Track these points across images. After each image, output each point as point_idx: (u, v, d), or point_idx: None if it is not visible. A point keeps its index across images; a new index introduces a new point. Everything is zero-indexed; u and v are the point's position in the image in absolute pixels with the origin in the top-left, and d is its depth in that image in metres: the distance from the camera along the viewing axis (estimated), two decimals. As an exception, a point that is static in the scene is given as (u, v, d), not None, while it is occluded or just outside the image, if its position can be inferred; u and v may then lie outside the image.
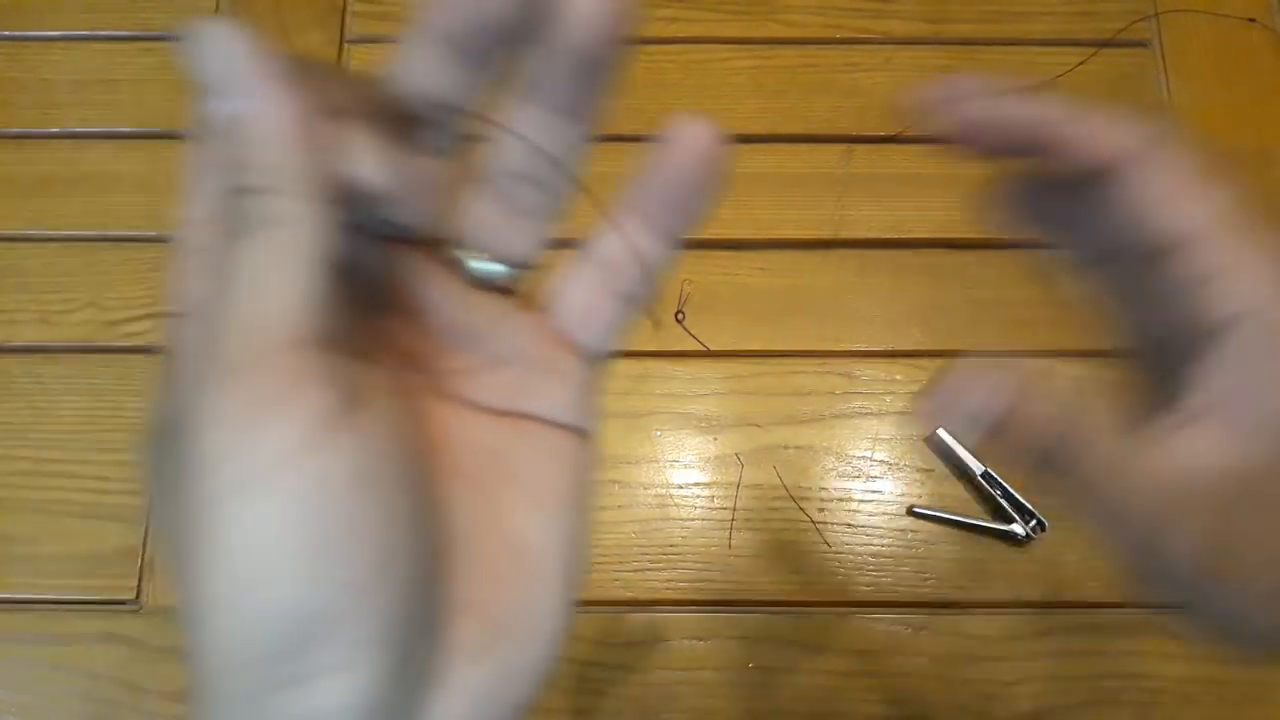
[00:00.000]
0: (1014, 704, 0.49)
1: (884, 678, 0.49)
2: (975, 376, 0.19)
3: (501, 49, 0.17)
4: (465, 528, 0.18)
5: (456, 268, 0.19)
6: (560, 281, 0.20)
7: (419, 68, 0.18)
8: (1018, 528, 0.50)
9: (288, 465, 0.14)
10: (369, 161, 0.16)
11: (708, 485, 0.52)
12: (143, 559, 0.50)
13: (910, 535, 0.51)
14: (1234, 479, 0.18)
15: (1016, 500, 0.51)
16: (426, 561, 0.16)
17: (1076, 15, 0.60)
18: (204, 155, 0.16)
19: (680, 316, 0.54)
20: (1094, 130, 0.19)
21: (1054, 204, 0.22)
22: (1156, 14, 0.60)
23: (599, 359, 0.21)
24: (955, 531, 0.51)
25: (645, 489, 0.52)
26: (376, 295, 0.18)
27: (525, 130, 0.18)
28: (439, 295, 0.19)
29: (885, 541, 0.51)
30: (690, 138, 0.18)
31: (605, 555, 0.51)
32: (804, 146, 0.58)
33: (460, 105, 0.18)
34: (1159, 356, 0.21)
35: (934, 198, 0.57)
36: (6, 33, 0.60)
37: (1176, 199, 0.19)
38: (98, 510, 0.51)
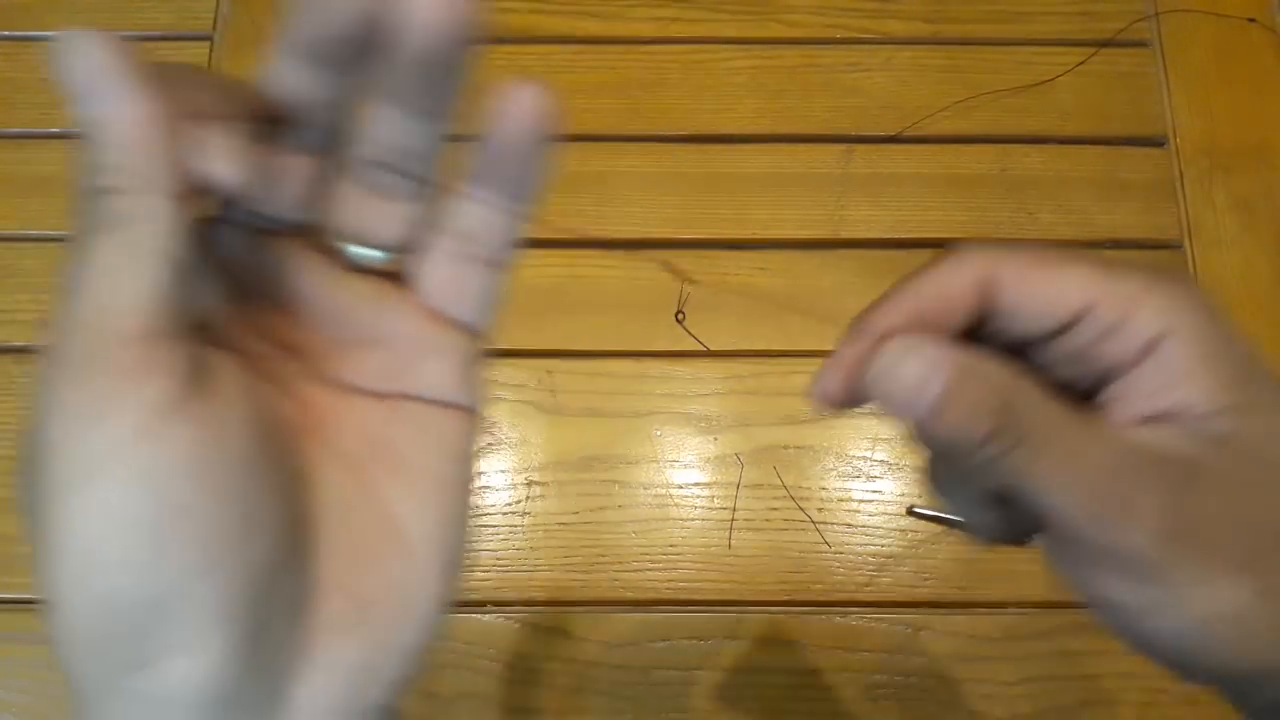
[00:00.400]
0: (1014, 704, 0.49)
1: (884, 677, 0.49)
2: (905, 355, 0.19)
3: (355, 55, 0.18)
4: (339, 509, 0.18)
5: (334, 256, 0.20)
6: (423, 260, 0.21)
7: (285, 74, 0.18)
8: (1018, 528, 0.50)
9: (122, 455, 0.15)
10: (226, 160, 0.17)
11: (708, 485, 0.52)
12: (142, 559, 0.50)
13: (910, 535, 0.51)
14: (1183, 462, 0.18)
15: (1016, 500, 0.51)
16: (277, 542, 0.17)
17: (1076, 15, 0.60)
18: (80, 159, 0.16)
19: (680, 317, 0.54)
20: (946, 282, 0.20)
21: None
22: (1156, 14, 0.60)
23: (475, 332, 0.21)
24: (955, 531, 0.51)
25: (645, 489, 0.52)
26: (251, 285, 0.19)
27: (385, 128, 0.19)
28: (317, 283, 0.19)
29: (885, 541, 0.51)
30: (518, 103, 0.19)
31: (605, 555, 0.51)
32: (804, 146, 0.58)
33: (324, 106, 0.18)
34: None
35: (934, 198, 0.57)
36: (6, 33, 0.60)
37: (1045, 284, 0.19)
38: (97, 510, 0.51)
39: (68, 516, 0.15)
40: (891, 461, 0.52)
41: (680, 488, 0.52)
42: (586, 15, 0.60)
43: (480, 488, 0.52)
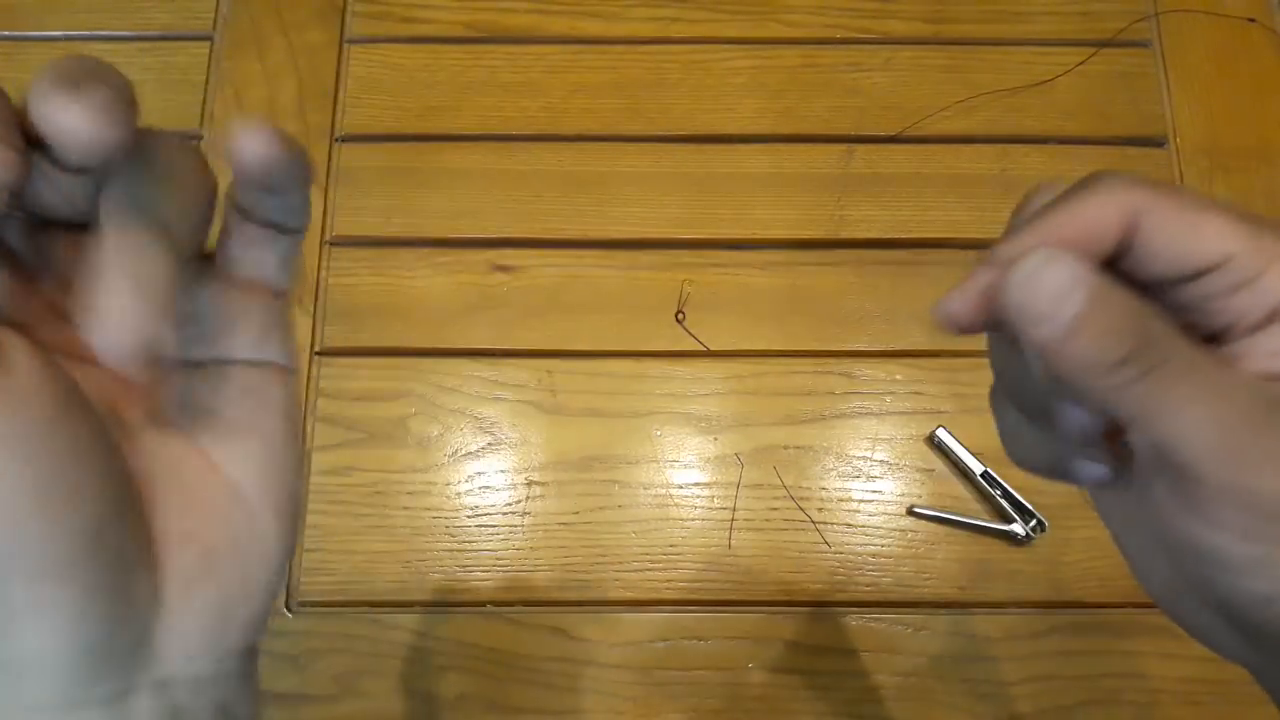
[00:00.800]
0: (1014, 704, 0.49)
1: (884, 677, 0.49)
2: (1048, 265, 0.18)
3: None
4: (172, 468, 0.20)
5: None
6: (219, 232, 0.22)
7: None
8: (1018, 528, 0.50)
9: None
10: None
11: (708, 485, 0.52)
12: (142, 559, 0.50)
13: (910, 535, 0.51)
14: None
15: (1016, 500, 0.51)
16: (101, 500, 0.17)
17: (1076, 15, 0.60)
18: None
19: (680, 316, 0.54)
20: (1096, 208, 0.19)
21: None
22: (1156, 14, 0.60)
23: (278, 293, 0.22)
24: (955, 531, 0.51)
25: (645, 489, 0.52)
26: (54, 269, 0.20)
27: (238, 241, 0.21)
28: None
29: (885, 541, 0.51)
30: (244, 141, 0.19)
31: (605, 555, 0.51)
32: (804, 146, 0.58)
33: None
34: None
35: (934, 198, 0.57)
36: (6, 33, 0.60)
37: (1188, 229, 0.19)
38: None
39: None
40: (891, 461, 0.52)
41: (680, 488, 0.52)
42: (587, 15, 0.60)
43: (480, 487, 0.52)
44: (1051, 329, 0.18)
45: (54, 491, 0.16)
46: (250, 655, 0.20)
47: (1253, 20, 0.60)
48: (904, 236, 0.56)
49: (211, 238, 0.22)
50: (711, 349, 0.54)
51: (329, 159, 0.57)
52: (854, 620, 0.50)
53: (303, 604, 0.49)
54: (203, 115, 0.58)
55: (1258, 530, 0.17)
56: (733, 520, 0.51)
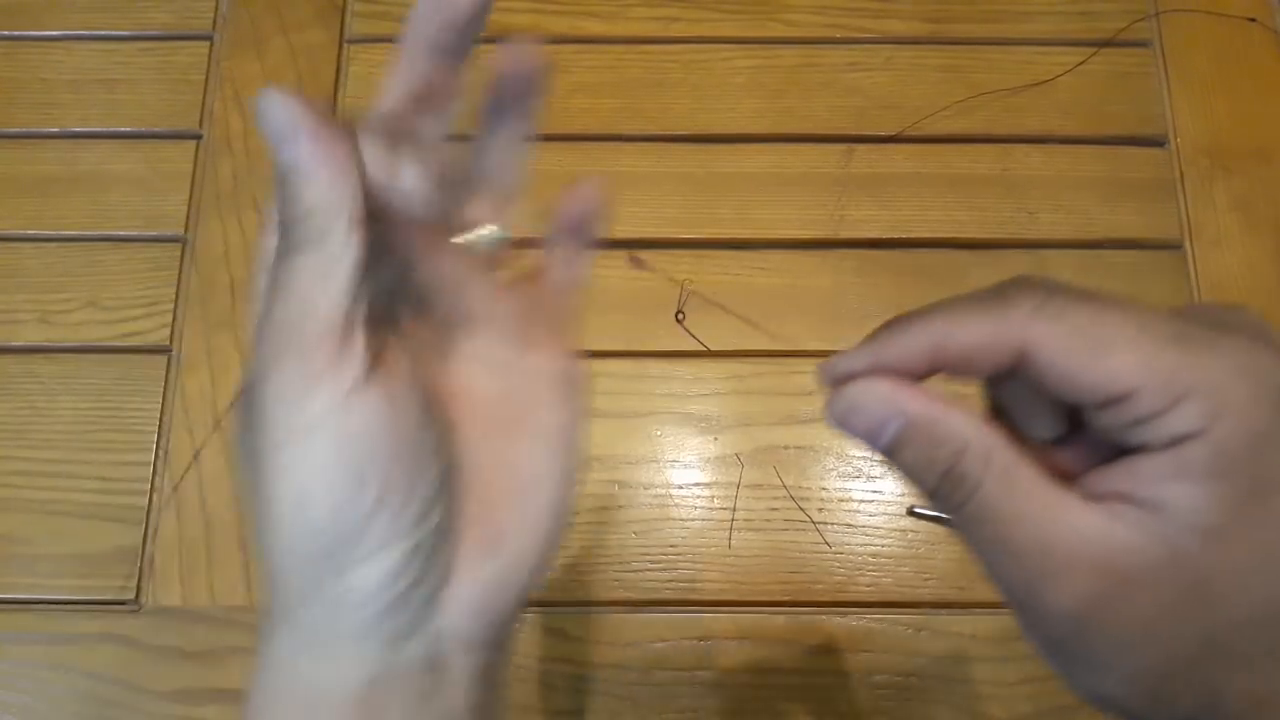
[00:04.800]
0: (1014, 704, 0.49)
1: (884, 677, 0.49)
2: (879, 387, 0.20)
3: (465, 43, 0.22)
4: (476, 459, 0.23)
5: (460, 244, 0.24)
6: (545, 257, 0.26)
7: (408, 70, 0.23)
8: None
9: (325, 422, 0.19)
10: (395, 172, 0.21)
11: (708, 485, 0.52)
12: (142, 559, 0.50)
13: (910, 535, 0.51)
14: (1128, 562, 0.18)
15: (1017, 500, 0.51)
16: (436, 483, 0.21)
17: (1077, 15, 0.60)
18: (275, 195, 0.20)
19: (680, 317, 0.54)
20: (976, 335, 0.19)
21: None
22: (1157, 13, 0.60)
23: (575, 299, 0.26)
24: (956, 532, 0.51)
25: (645, 489, 0.52)
26: (403, 280, 0.23)
27: (485, 147, 0.24)
28: (450, 270, 0.23)
29: (885, 541, 0.51)
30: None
31: (605, 555, 0.51)
32: (804, 146, 0.58)
33: (442, 102, 0.23)
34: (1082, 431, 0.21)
35: (934, 198, 0.57)
36: (5, 32, 0.60)
37: (1085, 366, 0.18)
38: (97, 510, 0.51)
39: (284, 467, 0.19)
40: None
41: (680, 488, 0.52)
42: (587, 15, 0.60)
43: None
44: (874, 450, 0.20)
45: (410, 474, 0.20)
46: (511, 629, 0.23)
47: (1253, 20, 0.60)
48: (904, 236, 0.56)
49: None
50: (711, 349, 0.54)
51: (329, 159, 0.57)
52: (854, 620, 0.50)
53: (302, 604, 0.49)
54: (202, 115, 0.58)
55: (1053, 645, 0.19)
56: (733, 520, 0.51)
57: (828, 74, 0.59)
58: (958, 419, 0.19)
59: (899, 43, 0.60)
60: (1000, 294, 0.19)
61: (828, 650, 0.49)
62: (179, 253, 0.55)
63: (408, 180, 0.22)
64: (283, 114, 0.19)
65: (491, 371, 0.24)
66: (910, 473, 0.20)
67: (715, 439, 0.53)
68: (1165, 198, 0.57)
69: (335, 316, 0.19)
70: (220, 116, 0.58)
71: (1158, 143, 0.58)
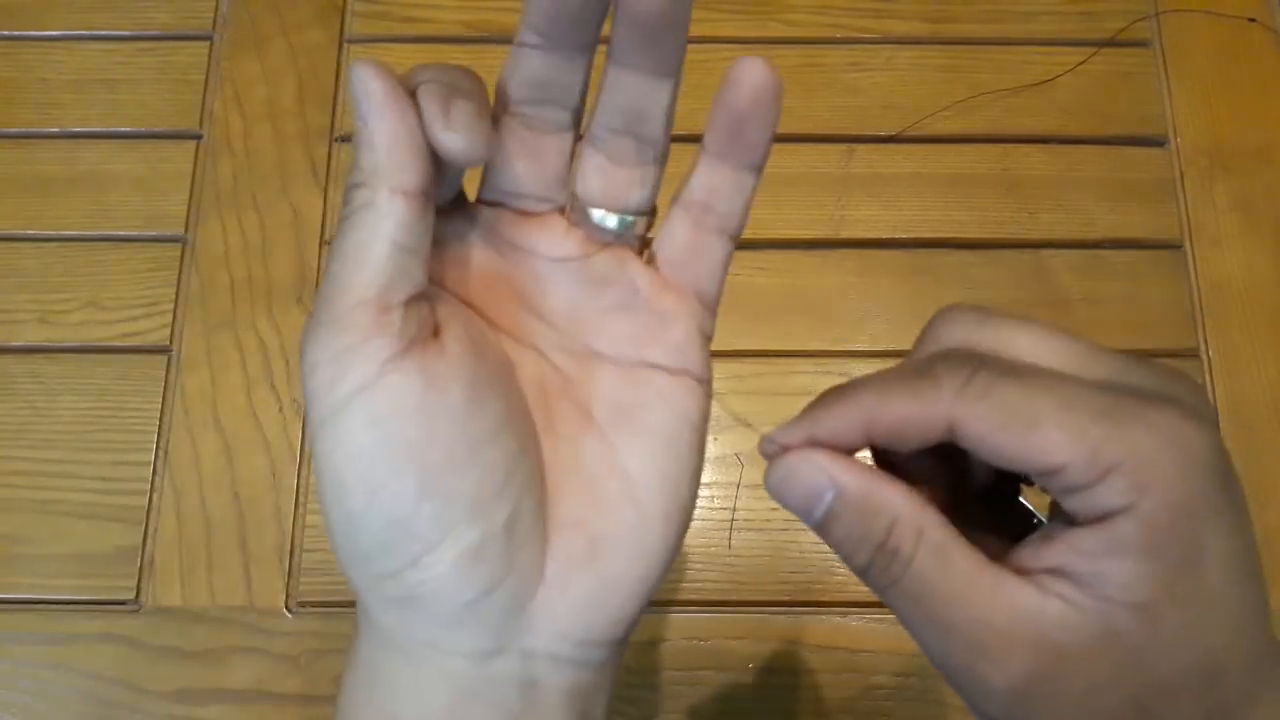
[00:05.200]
0: (1014, 704, 0.49)
1: (885, 678, 0.49)
2: (814, 458, 0.20)
3: (585, 23, 0.20)
4: (579, 456, 0.21)
5: (578, 224, 0.22)
6: (661, 231, 0.23)
7: (527, 52, 0.21)
8: (1033, 517, 0.50)
9: (357, 400, 0.18)
10: (470, 138, 0.19)
11: (708, 485, 0.52)
12: (142, 559, 0.50)
13: (911, 535, 0.51)
14: (1063, 639, 0.18)
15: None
16: (493, 471, 0.19)
17: (1077, 15, 0.60)
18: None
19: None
20: (903, 413, 0.19)
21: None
22: (1157, 13, 0.60)
23: (708, 301, 0.23)
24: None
25: (645, 489, 0.52)
26: (511, 263, 0.22)
27: (617, 93, 0.21)
28: (566, 256, 0.22)
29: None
30: (741, 74, 0.21)
31: (605, 555, 0.51)
32: (804, 146, 0.58)
33: (563, 80, 0.21)
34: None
35: (935, 197, 0.57)
36: (5, 32, 0.60)
37: (1012, 442, 0.18)
38: (97, 510, 0.51)
39: (321, 452, 0.19)
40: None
41: (681, 488, 0.52)
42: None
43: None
44: (808, 523, 0.20)
45: (458, 462, 0.19)
46: (613, 651, 0.21)
47: (1253, 20, 0.60)
48: (905, 236, 0.56)
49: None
50: (711, 349, 0.54)
51: (329, 159, 0.57)
52: (855, 621, 0.50)
53: (302, 604, 0.49)
54: (202, 115, 0.58)
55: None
56: (733, 521, 0.51)
57: (828, 74, 0.59)
58: (890, 492, 0.19)
59: (899, 43, 0.60)
60: (928, 370, 0.19)
61: (829, 651, 0.49)
62: (179, 253, 0.55)
63: (515, 167, 0.21)
64: (359, 85, 0.19)
65: (604, 360, 0.22)
66: (843, 548, 0.19)
67: (715, 439, 0.53)
68: (1165, 198, 0.57)
69: (369, 289, 0.19)
70: (220, 116, 0.58)
71: (1158, 143, 0.58)
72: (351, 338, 0.19)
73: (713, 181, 0.22)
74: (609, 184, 0.22)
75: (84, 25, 0.60)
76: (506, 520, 0.20)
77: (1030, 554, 0.19)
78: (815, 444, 0.20)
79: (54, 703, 0.48)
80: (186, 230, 0.55)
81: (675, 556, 0.22)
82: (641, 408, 0.22)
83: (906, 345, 0.54)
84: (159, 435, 0.52)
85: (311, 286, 0.55)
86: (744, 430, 0.53)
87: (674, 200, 0.23)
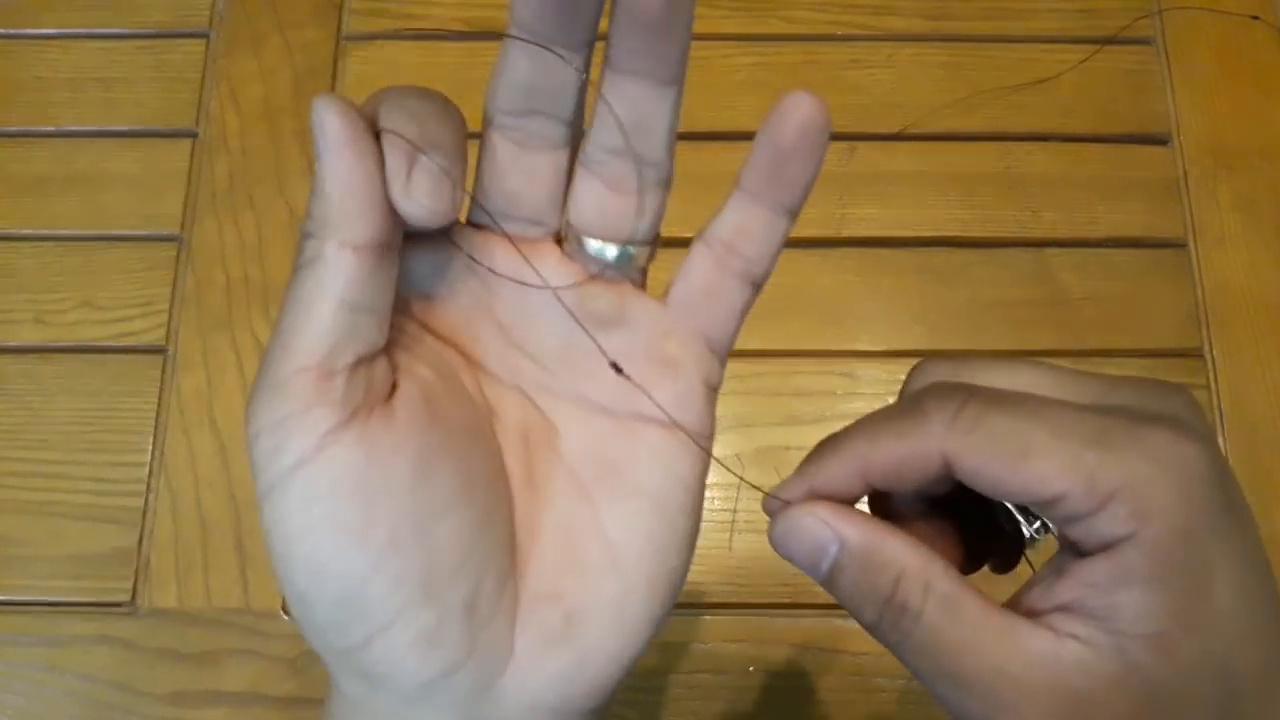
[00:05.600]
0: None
1: (886, 680, 0.49)
2: (816, 511, 0.19)
3: (578, 20, 0.18)
4: (558, 519, 0.20)
5: (572, 254, 0.20)
6: (679, 269, 0.21)
7: (514, 56, 0.19)
8: (1022, 529, 0.50)
9: (294, 476, 0.17)
10: (431, 197, 0.17)
11: (708, 486, 0.51)
12: (138, 561, 0.49)
13: (912, 536, 0.51)
14: (1081, 682, 0.17)
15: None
16: (447, 548, 0.18)
17: (1078, 12, 0.60)
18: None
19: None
20: (896, 454, 0.18)
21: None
22: (1159, 11, 0.60)
23: (719, 349, 0.21)
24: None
25: (645, 490, 0.51)
26: (493, 293, 0.20)
27: (617, 100, 0.19)
28: (555, 283, 0.20)
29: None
30: (789, 108, 0.19)
31: (604, 557, 0.50)
32: (805, 145, 0.57)
33: (554, 88, 0.19)
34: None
35: (936, 196, 0.56)
36: (1, 30, 0.60)
37: (1007, 474, 0.17)
38: (93, 512, 0.50)
39: (267, 524, 0.18)
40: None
41: (680, 489, 0.51)
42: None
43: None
44: (815, 578, 0.19)
45: (405, 538, 0.18)
46: (594, 714, 0.20)
47: (1256, 18, 0.59)
48: (906, 235, 0.56)
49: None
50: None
51: (326, 157, 0.57)
52: (857, 624, 0.49)
53: (300, 606, 0.49)
54: (198, 113, 0.58)
55: None
56: (734, 522, 0.51)
57: (829, 71, 0.59)
58: (894, 544, 0.18)
59: (900, 40, 0.60)
60: (916, 407, 0.18)
61: (830, 653, 0.49)
62: (175, 252, 0.55)
63: (504, 188, 0.19)
64: (316, 121, 0.17)
65: (594, 408, 0.20)
66: (850, 603, 0.19)
67: (715, 439, 0.52)
68: (1168, 196, 0.56)
69: (311, 354, 0.17)
70: (217, 115, 0.57)
71: (1161, 141, 0.58)
72: (291, 406, 0.17)
73: (743, 221, 0.20)
74: (607, 211, 0.20)
75: (80, 23, 0.60)
76: (465, 600, 0.18)
77: (1041, 593, 0.18)
78: (816, 496, 0.19)
79: (49, 705, 0.48)
80: (182, 230, 0.55)
81: (660, 626, 0.20)
82: (631, 465, 0.20)
83: (907, 345, 0.54)
84: (154, 436, 0.51)
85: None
86: (745, 430, 0.52)
87: (698, 236, 0.21)
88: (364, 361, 0.18)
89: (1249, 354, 0.53)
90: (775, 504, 0.20)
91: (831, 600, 0.20)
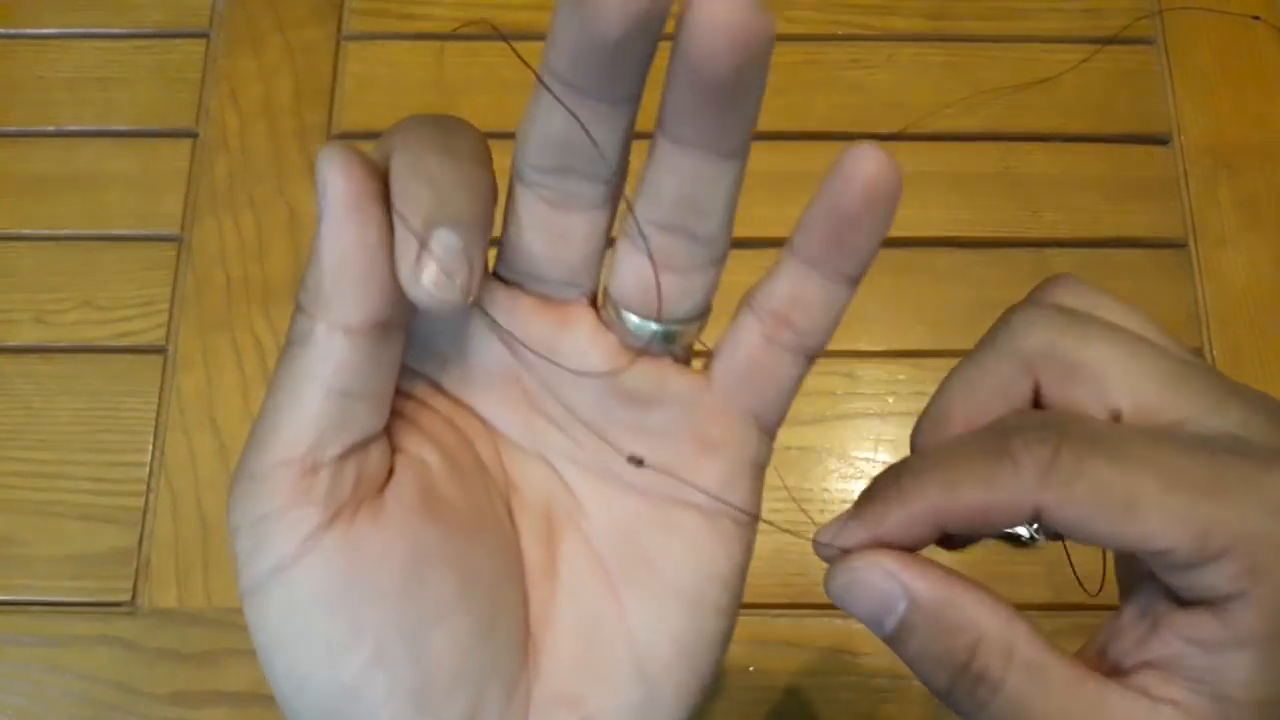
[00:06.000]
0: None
1: (887, 681, 0.49)
2: (883, 562, 0.17)
3: (626, 70, 0.15)
4: (576, 612, 0.18)
5: (610, 326, 0.18)
6: (723, 338, 0.19)
7: (547, 109, 0.16)
8: (1022, 530, 0.50)
9: (275, 581, 0.16)
10: (445, 286, 0.15)
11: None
12: (138, 560, 0.49)
13: (912, 537, 0.51)
14: None
15: (1020, 501, 0.50)
16: (445, 661, 0.16)
17: (1079, 12, 0.60)
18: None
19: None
20: (980, 503, 0.16)
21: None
22: (1160, 11, 0.60)
23: (769, 427, 0.19)
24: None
25: (645, 490, 0.51)
26: (521, 360, 0.18)
27: (669, 171, 0.17)
28: (590, 359, 0.18)
29: (887, 543, 0.51)
30: (854, 164, 0.17)
31: (605, 557, 0.50)
32: (805, 144, 0.57)
33: (591, 146, 0.16)
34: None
35: (936, 196, 0.56)
36: (0, 30, 0.60)
37: (1109, 531, 0.16)
38: (93, 511, 0.50)
39: (249, 625, 0.16)
40: (896, 464, 0.52)
41: (680, 489, 0.51)
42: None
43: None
44: (879, 634, 0.17)
45: (392, 649, 0.16)
46: None
47: (1257, 18, 0.59)
48: (906, 235, 0.56)
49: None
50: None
51: (326, 157, 0.57)
52: (857, 624, 0.49)
53: (300, 606, 0.49)
54: (198, 113, 0.58)
55: None
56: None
57: (829, 71, 0.59)
58: (971, 603, 0.16)
59: (901, 40, 0.60)
60: (1002, 448, 0.16)
61: (830, 653, 0.49)
62: (175, 252, 0.55)
63: (533, 249, 0.17)
64: (320, 176, 0.15)
65: (622, 489, 0.18)
66: (919, 666, 0.17)
67: (716, 439, 0.52)
68: (1169, 196, 0.56)
69: (293, 446, 0.16)
70: (216, 115, 0.57)
71: (1161, 141, 0.57)
72: (269, 504, 0.16)
73: (798, 291, 0.18)
74: (650, 288, 0.18)
75: (79, 23, 0.59)
76: (466, 713, 0.16)
77: (1131, 645, 0.17)
78: (880, 544, 0.17)
79: (49, 705, 0.48)
80: (182, 229, 0.55)
81: None
82: (664, 557, 0.18)
83: (908, 345, 0.53)
84: (155, 436, 0.51)
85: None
86: (744, 431, 0.52)
87: (745, 303, 0.19)
88: (355, 450, 0.16)
89: (1249, 354, 0.53)
90: (830, 552, 0.18)
91: (831, 600, 0.19)
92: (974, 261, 0.55)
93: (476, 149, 0.16)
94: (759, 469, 0.19)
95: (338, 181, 0.15)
